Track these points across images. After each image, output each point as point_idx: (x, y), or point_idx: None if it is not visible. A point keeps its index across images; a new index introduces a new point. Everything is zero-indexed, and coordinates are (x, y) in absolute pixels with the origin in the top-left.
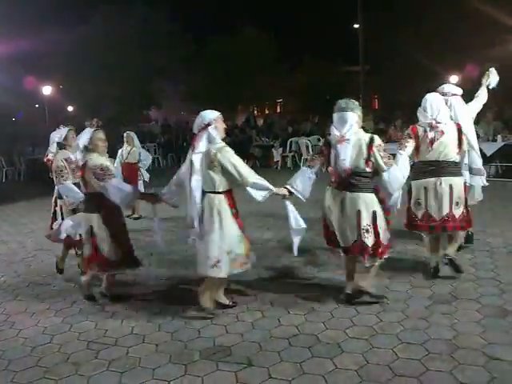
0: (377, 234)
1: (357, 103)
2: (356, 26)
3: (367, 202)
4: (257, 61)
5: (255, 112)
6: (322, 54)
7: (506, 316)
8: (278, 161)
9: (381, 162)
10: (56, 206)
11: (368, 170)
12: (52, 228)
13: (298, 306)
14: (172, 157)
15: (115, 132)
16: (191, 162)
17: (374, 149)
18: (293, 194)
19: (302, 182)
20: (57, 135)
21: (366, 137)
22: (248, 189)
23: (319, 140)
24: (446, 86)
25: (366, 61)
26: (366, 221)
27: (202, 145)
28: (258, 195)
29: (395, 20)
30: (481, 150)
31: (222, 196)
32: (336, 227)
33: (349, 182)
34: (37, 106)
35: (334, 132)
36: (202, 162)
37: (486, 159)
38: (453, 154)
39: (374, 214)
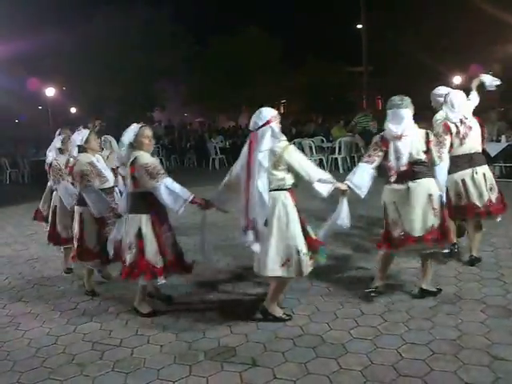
0: (444, 219)
1: (410, 100)
2: (359, 26)
3: (434, 186)
4: (259, 61)
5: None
6: (325, 54)
7: (511, 316)
8: None
9: (435, 155)
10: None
11: (426, 160)
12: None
13: (303, 307)
14: (175, 158)
15: (118, 133)
16: (259, 162)
17: (431, 143)
18: (351, 189)
19: (361, 177)
20: (78, 138)
21: (422, 132)
22: (314, 184)
23: (323, 141)
24: (441, 87)
25: (369, 61)
26: (435, 204)
27: (266, 142)
28: (324, 190)
29: (398, 20)
30: (484, 151)
31: (287, 193)
32: (406, 220)
33: (411, 171)
34: (40, 107)
35: (391, 128)
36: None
37: (490, 159)
38: (479, 146)
39: (440, 198)
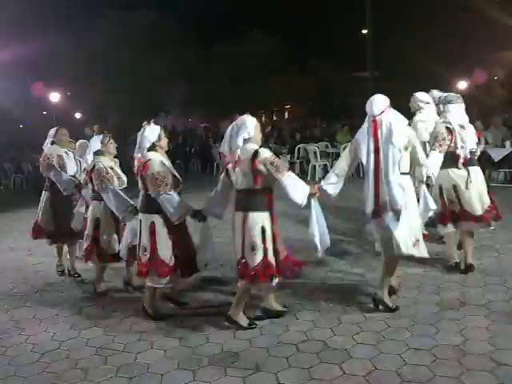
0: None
1: None
2: (364, 31)
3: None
4: (264, 66)
5: (263, 118)
6: (330, 59)
7: None
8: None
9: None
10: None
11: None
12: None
13: (306, 312)
14: (179, 164)
15: (122, 138)
16: (392, 144)
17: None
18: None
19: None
20: (97, 144)
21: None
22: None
23: (327, 146)
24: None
25: (374, 66)
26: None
27: (397, 124)
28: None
29: (403, 25)
30: (489, 156)
31: (409, 176)
32: (467, 202)
33: (470, 159)
34: (44, 113)
35: (455, 121)
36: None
37: (495, 165)
38: None
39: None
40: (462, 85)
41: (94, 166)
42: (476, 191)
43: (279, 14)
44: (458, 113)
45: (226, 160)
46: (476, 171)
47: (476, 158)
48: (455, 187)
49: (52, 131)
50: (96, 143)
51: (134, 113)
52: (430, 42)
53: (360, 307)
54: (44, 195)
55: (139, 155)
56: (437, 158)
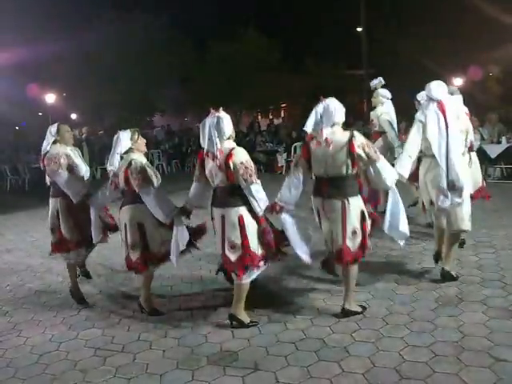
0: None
1: None
2: (359, 29)
3: None
4: (258, 64)
5: (259, 117)
6: (325, 57)
7: None
8: (282, 166)
9: None
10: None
11: None
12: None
13: (304, 310)
14: (176, 163)
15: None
16: (447, 125)
17: None
18: None
19: None
20: (125, 142)
21: None
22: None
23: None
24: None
25: (369, 64)
26: None
27: (459, 109)
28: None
29: (398, 23)
30: (485, 152)
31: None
32: None
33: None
34: (40, 114)
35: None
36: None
37: (491, 161)
38: None
39: None
40: (458, 81)
41: (130, 164)
42: (472, 173)
43: (273, 13)
44: (460, 104)
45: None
46: (473, 155)
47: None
48: None
49: (53, 128)
50: (124, 141)
51: (130, 113)
52: (424, 39)
53: (358, 305)
54: (55, 202)
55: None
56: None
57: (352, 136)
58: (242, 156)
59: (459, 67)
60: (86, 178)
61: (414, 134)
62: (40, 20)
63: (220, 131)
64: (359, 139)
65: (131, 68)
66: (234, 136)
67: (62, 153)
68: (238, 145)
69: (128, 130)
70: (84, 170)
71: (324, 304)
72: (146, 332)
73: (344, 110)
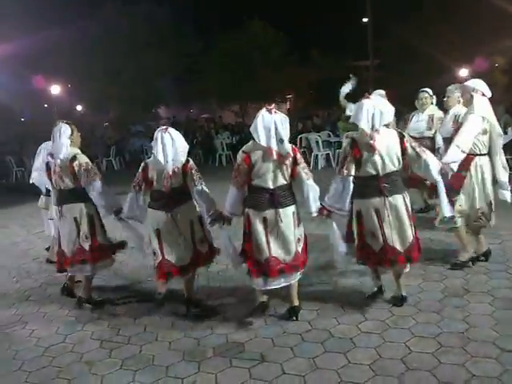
0: None
1: None
2: (365, 19)
3: None
4: (264, 56)
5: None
6: (330, 49)
7: None
8: None
9: None
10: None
11: None
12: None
13: (310, 302)
14: None
15: (123, 130)
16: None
17: None
18: None
19: None
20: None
21: None
22: None
23: (329, 135)
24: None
25: (375, 55)
26: None
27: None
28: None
29: (403, 14)
30: None
31: None
32: None
33: None
34: (46, 106)
35: None
36: None
37: None
38: None
39: None
40: (464, 72)
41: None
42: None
43: (279, 4)
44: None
45: None
46: None
47: None
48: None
49: (66, 130)
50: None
51: (135, 105)
52: (430, 30)
53: (364, 296)
54: (86, 208)
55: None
56: None
57: (402, 135)
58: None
59: (465, 58)
60: None
61: (476, 126)
62: (43, 10)
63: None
64: (407, 137)
65: (135, 59)
66: None
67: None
68: (246, 136)
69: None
70: None
71: (330, 295)
72: (152, 324)
73: (392, 108)
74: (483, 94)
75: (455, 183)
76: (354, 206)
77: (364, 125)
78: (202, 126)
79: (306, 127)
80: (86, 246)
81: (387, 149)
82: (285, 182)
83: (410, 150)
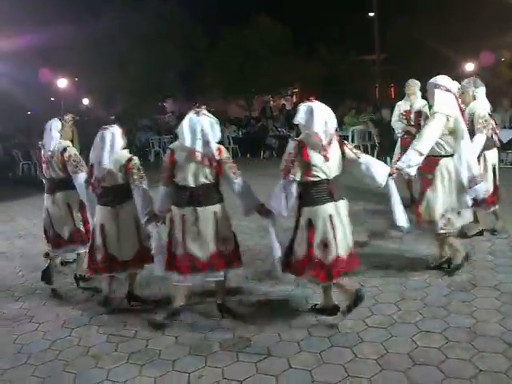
0: None
1: None
2: (371, 14)
3: None
4: (271, 50)
5: (271, 102)
6: (337, 42)
7: None
8: None
9: None
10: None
11: None
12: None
13: (317, 296)
14: None
15: (130, 124)
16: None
17: None
18: None
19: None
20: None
21: None
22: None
23: (336, 129)
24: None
25: (381, 49)
26: None
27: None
28: None
29: (410, 8)
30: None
31: None
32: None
33: None
34: (52, 99)
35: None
36: None
37: (503, 146)
38: None
39: None
40: (470, 66)
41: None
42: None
43: None
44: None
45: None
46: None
47: None
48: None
49: (57, 124)
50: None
51: (142, 98)
52: (436, 24)
53: (371, 290)
54: (77, 194)
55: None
56: (483, 139)
57: (341, 139)
58: None
59: (471, 52)
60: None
61: (437, 128)
62: (52, 5)
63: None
64: (346, 142)
65: (142, 53)
66: None
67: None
68: (252, 130)
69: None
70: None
71: (337, 290)
72: (159, 318)
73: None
74: (447, 90)
75: (422, 187)
76: (304, 215)
77: (318, 129)
78: None
79: None
80: (82, 227)
81: (334, 153)
82: (207, 182)
83: (348, 154)
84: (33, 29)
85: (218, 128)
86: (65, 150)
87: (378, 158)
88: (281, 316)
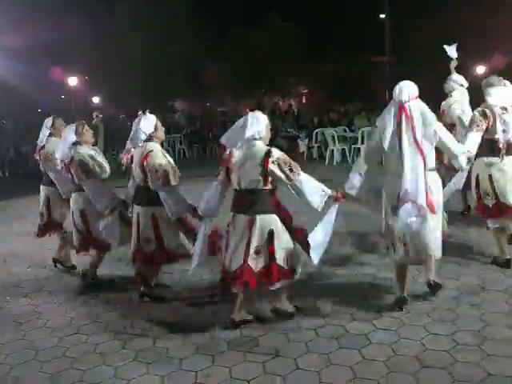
0: None
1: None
2: (382, 16)
3: None
4: (282, 51)
5: (280, 103)
6: (348, 44)
7: None
8: (303, 152)
9: None
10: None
11: None
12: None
13: (325, 297)
14: (197, 148)
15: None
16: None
17: None
18: None
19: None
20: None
21: None
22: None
23: (345, 130)
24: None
25: (392, 51)
26: None
27: (427, 115)
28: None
29: (421, 10)
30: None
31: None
32: (500, 191)
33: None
34: (62, 97)
35: (495, 104)
36: None
37: None
38: None
39: None
40: (481, 69)
41: (72, 159)
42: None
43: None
44: (499, 96)
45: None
46: None
47: None
48: (491, 177)
49: (48, 121)
50: (69, 135)
51: (151, 97)
52: (447, 27)
53: (379, 293)
54: (46, 190)
55: (130, 146)
56: (475, 136)
57: (269, 152)
58: None
59: (481, 55)
60: None
61: (364, 147)
62: (63, 4)
63: None
64: (276, 154)
65: (154, 52)
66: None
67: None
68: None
69: (73, 124)
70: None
71: (345, 291)
72: (167, 316)
73: (267, 123)
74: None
75: None
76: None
77: (227, 142)
78: (218, 119)
79: (322, 122)
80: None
81: (246, 166)
82: (142, 183)
83: (274, 170)
84: (44, 27)
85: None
86: (43, 146)
87: None
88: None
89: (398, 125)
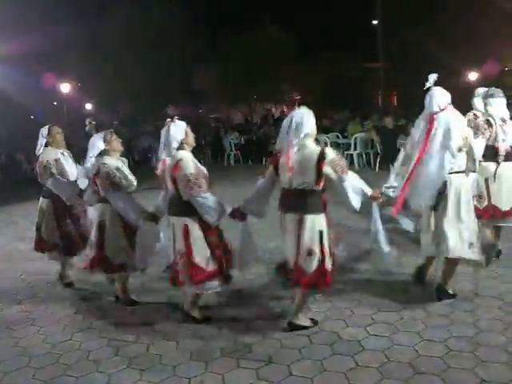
0: None
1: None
2: (375, 22)
3: None
4: (274, 56)
5: (273, 109)
6: (340, 50)
7: None
8: None
9: None
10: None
11: None
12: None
13: (319, 303)
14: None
15: (133, 129)
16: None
17: None
18: None
19: None
20: (98, 143)
21: None
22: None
23: (338, 137)
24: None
25: (385, 57)
26: None
27: (455, 123)
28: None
29: (413, 17)
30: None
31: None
32: (493, 195)
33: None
34: (55, 103)
35: (496, 114)
36: None
37: None
38: None
39: None
40: (473, 75)
41: (98, 170)
42: (508, 187)
43: (290, 4)
44: (499, 107)
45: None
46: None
47: None
48: (487, 181)
49: (44, 130)
50: (98, 142)
51: (145, 103)
52: (440, 33)
53: (373, 299)
54: (43, 202)
55: (164, 155)
56: (480, 143)
57: (323, 153)
58: None
59: (475, 62)
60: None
61: (402, 150)
62: (54, 10)
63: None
64: (330, 156)
65: (145, 58)
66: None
67: (52, 158)
68: (253, 137)
69: (101, 132)
70: (75, 174)
71: (339, 297)
72: (160, 323)
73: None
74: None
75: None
76: None
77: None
78: (211, 125)
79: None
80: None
81: (298, 166)
82: (174, 193)
83: (328, 171)
84: (34, 32)
85: None
86: (39, 156)
87: (380, 166)
88: (282, 323)
89: (428, 133)
